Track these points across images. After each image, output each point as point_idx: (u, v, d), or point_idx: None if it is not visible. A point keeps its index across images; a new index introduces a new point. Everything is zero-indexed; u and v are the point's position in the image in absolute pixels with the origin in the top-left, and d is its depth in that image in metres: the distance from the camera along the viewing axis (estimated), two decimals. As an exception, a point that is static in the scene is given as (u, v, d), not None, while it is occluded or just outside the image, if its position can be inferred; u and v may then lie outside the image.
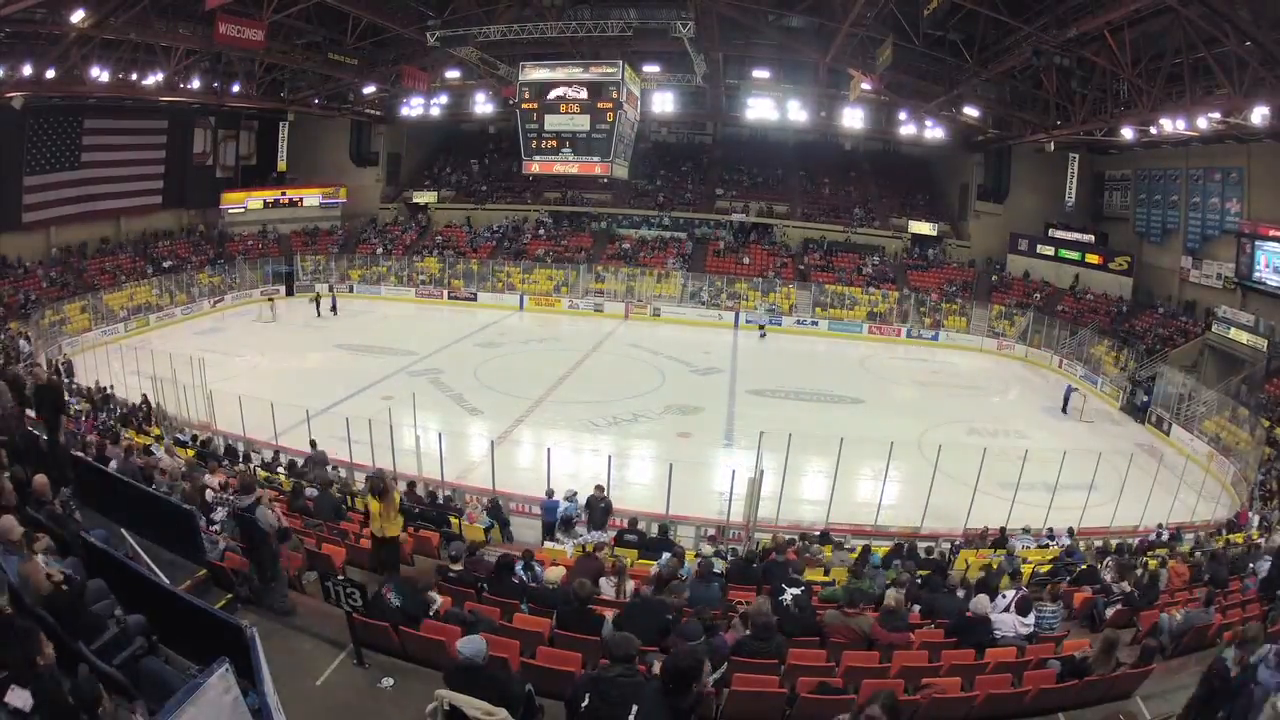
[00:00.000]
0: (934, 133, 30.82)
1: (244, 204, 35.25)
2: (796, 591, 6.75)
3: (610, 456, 13.38)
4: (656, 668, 3.86)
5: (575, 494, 11.99)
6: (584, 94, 25.44)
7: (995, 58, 22.00)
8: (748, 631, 5.68)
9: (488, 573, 7.17)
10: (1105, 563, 10.24)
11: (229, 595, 6.06)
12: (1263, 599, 7.94)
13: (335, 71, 28.97)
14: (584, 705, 3.59)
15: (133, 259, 30.16)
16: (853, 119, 31.08)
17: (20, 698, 3.10)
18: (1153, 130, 21.65)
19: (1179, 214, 26.11)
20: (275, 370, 22.17)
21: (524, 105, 26.36)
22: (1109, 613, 7.99)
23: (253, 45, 22.71)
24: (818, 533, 12.02)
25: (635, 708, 3.41)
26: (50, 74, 22.09)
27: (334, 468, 13.62)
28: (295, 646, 5.70)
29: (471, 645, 4.14)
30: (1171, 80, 18.49)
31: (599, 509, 11.70)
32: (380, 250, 35.70)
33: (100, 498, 6.62)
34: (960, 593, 7.87)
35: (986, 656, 6.22)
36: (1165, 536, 13.02)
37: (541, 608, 6.44)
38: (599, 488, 12.01)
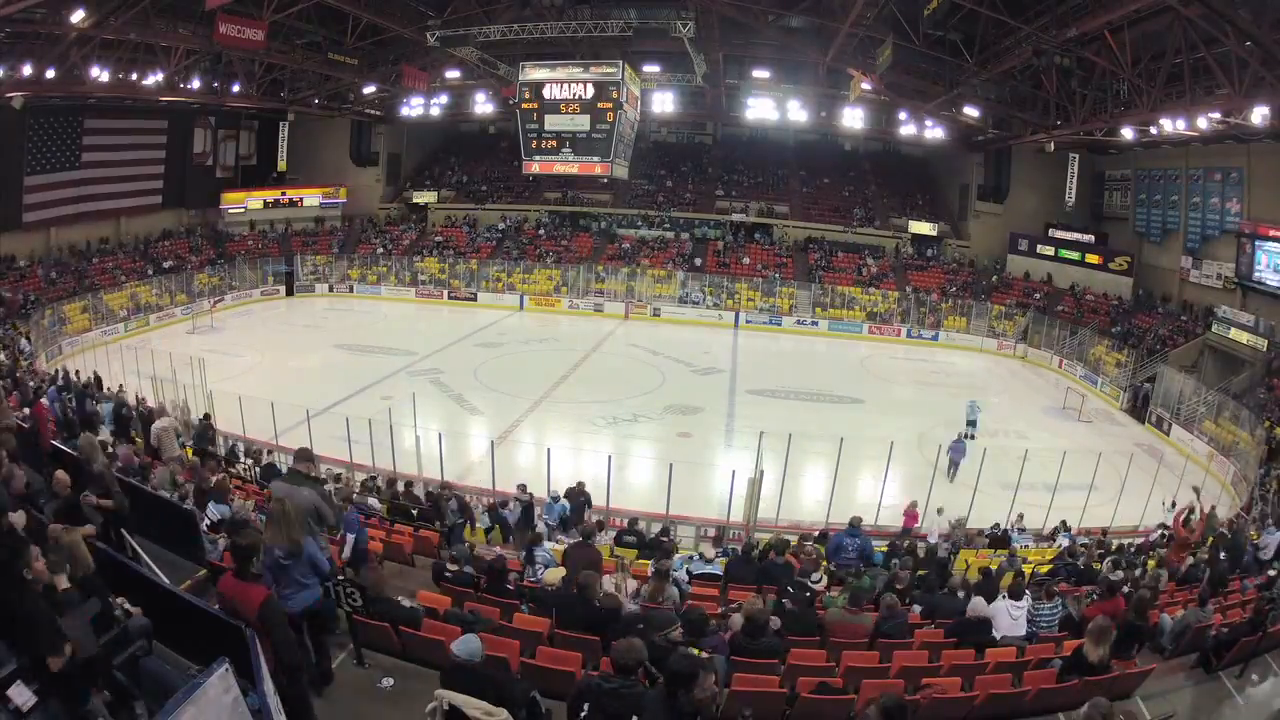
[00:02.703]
0: (934, 133, 30.82)
1: (244, 204, 35.30)
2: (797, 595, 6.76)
3: (610, 456, 13.38)
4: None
5: (559, 496, 11.92)
6: (584, 94, 25.44)
7: (995, 58, 21.99)
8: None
9: (483, 573, 7.17)
10: (1105, 563, 10.24)
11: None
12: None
13: (335, 71, 28.96)
14: (582, 715, 3.58)
15: (133, 259, 30.18)
16: (853, 119, 31.09)
17: (21, 695, 3.11)
18: (1153, 130, 21.66)
19: (1179, 214, 26.11)
20: (275, 370, 22.19)
21: (524, 105, 26.35)
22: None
23: (253, 45, 22.70)
24: (817, 533, 12.01)
25: (635, 718, 3.39)
26: (50, 74, 22.08)
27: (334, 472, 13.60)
28: (295, 646, 5.69)
29: (466, 645, 4.13)
30: (1171, 80, 18.48)
31: (578, 503, 11.69)
32: (380, 250, 35.72)
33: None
34: (960, 593, 7.86)
35: (986, 656, 6.21)
36: (1165, 537, 13.00)
37: (541, 608, 6.43)
38: (579, 484, 12.10)
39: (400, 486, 12.65)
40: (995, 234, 33.45)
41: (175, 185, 32.67)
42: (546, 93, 25.86)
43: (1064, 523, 13.11)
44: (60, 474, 5.58)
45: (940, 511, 12.51)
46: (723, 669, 5.04)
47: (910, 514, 13.02)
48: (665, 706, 3.36)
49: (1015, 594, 6.97)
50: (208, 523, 7.06)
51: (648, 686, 3.72)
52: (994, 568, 9.85)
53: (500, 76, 28.81)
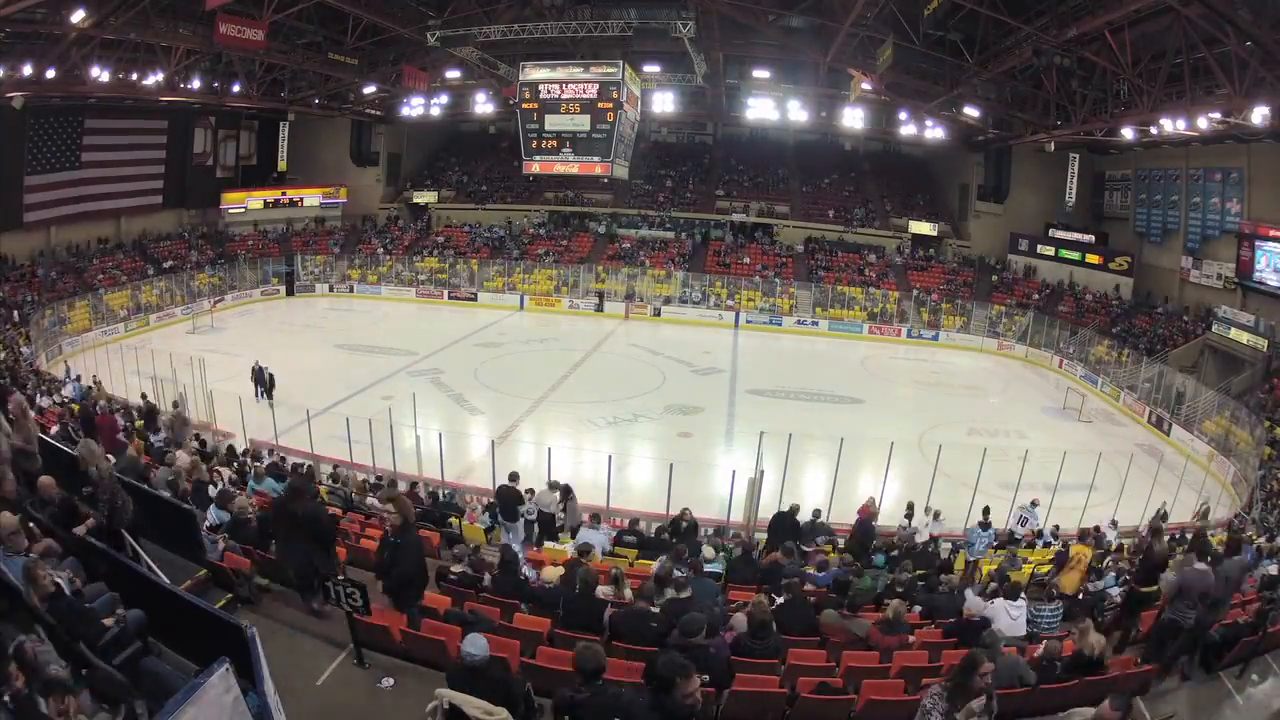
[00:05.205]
0: (934, 133, 30.81)
1: (244, 204, 35.31)
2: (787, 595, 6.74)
3: (610, 456, 13.37)
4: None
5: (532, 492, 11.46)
6: (584, 94, 25.43)
7: (995, 58, 22.01)
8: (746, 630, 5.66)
9: (491, 570, 7.17)
10: (1105, 562, 10.24)
11: (229, 595, 6.06)
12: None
13: (335, 71, 28.97)
14: None
15: (133, 259, 30.18)
16: (853, 119, 31.09)
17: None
18: (1153, 130, 21.65)
19: (1179, 214, 26.12)
20: (275, 370, 22.12)
21: (524, 105, 26.36)
22: (1108, 615, 7.98)
23: (253, 45, 22.68)
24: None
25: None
26: (50, 74, 22.08)
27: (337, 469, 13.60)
28: (295, 646, 5.70)
29: (477, 644, 4.11)
30: (1171, 80, 18.48)
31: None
32: (380, 250, 35.72)
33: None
34: (966, 591, 7.85)
35: (986, 656, 6.20)
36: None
37: (541, 608, 6.43)
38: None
39: (402, 487, 12.65)
40: (995, 234, 33.45)
41: (175, 185, 32.68)
42: (546, 93, 25.85)
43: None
44: (45, 479, 5.55)
45: (937, 516, 12.43)
46: None
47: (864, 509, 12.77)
48: (652, 710, 3.33)
49: (1011, 595, 6.97)
50: (208, 525, 7.05)
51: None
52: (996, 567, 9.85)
53: (500, 76, 28.81)
